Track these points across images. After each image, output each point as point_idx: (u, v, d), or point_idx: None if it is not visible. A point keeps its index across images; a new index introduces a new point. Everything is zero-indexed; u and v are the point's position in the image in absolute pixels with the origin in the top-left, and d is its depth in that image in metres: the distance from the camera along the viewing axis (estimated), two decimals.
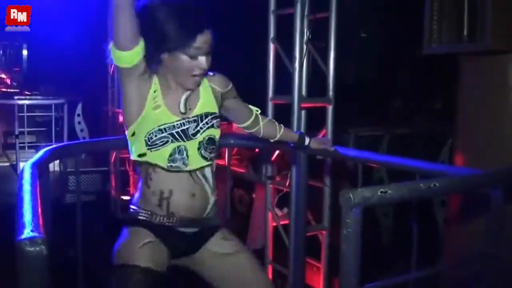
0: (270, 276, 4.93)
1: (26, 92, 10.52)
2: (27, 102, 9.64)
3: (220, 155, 4.59)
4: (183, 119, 2.51)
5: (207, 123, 2.57)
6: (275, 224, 4.94)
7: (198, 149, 2.54)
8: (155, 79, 2.48)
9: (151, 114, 2.44)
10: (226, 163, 4.50)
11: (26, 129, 9.41)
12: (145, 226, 2.52)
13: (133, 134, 2.48)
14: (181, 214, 2.52)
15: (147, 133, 2.44)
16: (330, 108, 4.75)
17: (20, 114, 9.38)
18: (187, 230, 2.58)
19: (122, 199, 8.26)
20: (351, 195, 1.71)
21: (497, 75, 3.81)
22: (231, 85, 2.75)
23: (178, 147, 2.48)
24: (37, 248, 1.40)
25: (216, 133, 2.62)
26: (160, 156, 2.47)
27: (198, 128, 2.54)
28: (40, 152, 2.66)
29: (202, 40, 2.40)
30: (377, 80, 9.87)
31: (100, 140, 3.69)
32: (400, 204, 2.16)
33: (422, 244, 3.00)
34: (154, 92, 2.46)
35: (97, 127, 9.61)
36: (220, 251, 2.68)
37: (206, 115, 2.58)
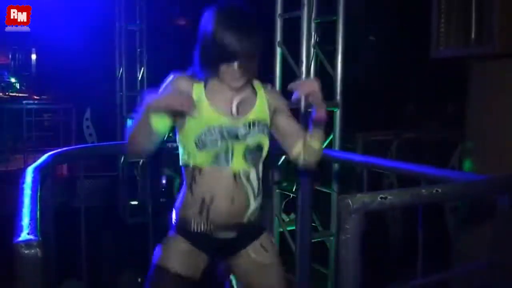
0: None
1: (35, 96, 10.58)
2: (35, 106, 9.69)
3: None
4: (233, 120, 2.50)
5: (258, 129, 2.55)
6: (281, 229, 4.91)
7: (244, 152, 2.52)
8: (196, 86, 2.48)
9: (198, 116, 2.44)
10: None
11: (34, 134, 9.46)
12: (183, 234, 2.55)
13: (182, 137, 2.50)
14: (219, 220, 2.51)
15: (197, 133, 2.44)
16: (338, 112, 4.73)
17: (28, 118, 9.42)
18: (225, 236, 2.58)
19: (130, 204, 8.27)
20: (350, 201, 1.68)
21: (506, 79, 3.78)
22: (285, 101, 2.73)
23: (226, 147, 2.47)
24: (33, 251, 1.41)
25: (264, 141, 2.58)
26: (207, 156, 2.46)
27: (248, 132, 2.52)
28: (44, 157, 2.65)
29: None
30: (385, 84, 9.84)
31: (105, 145, 3.67)
32: (410, 210, 2.13)
33: (433, 251, 2.96)
34: (197, 97, 2.46)
35: (106, 132, 9.62)
36: (257, 259, 2.68)
37: (259, 121, 2.57)
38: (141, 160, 8.38)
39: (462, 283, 3.63)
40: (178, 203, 2.58)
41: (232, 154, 2.48)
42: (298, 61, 4.55)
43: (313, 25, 4.59)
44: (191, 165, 2.49)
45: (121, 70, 8.68)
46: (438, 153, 6.85)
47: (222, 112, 2.49)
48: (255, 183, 2.58)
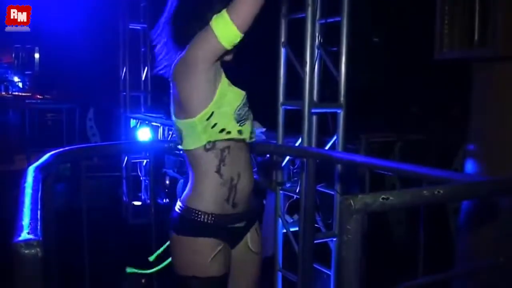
0: (280, 284, 4.90)
1: (38, 96, 10.59)
2: (38, 106, 9.71)
3: None
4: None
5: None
6: (285, 231, 4.90)
7: (251, 123, 2.57)
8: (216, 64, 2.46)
9: (229, 91, 2.44)
10: None
11: (37, 133, 9.47)
12: (211, 234, 2.48)
13: (211, 115, 2.41)
14: (240, 205, 2.53)
15: (237, 108, 2.43)
16: (341, 114, 4.71)
17: (31, 118, 9.44)
18: (241, 224, 2.59)
19: (133, 204, 8.27)
20: (351, 202, 1.67)
21: (509, 81, 3.76)
22: None
23: (251, 119, 2.53)
24: (33, 251, 1.39)
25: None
26: (248, 130, 2.49)
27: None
28: (46, 156, 2.64)
29: None
30: (390, 85, 9.82)
31: (108, 144, 3.66)
32: (414, 211, 2.12)
33: (435, 252, 2.96)
34: (220, 71, 2.46)
35: (109, 132, 9.64)
36: (250, 246, 2.68)
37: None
38: (145, 161, 8.39)
39: (465, 284, 3.63)
40: (197, 197, 2.50)
41: (248, 126, 2.52)
42: (302, 62, 4.54)
43: (317, 26, 4.58)
44: (222, 143, 2.45)
45: (124, 69, 8.67)
46: (442, 155, 6.83)
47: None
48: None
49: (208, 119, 2.40)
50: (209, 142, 2.44)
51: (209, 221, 2.46)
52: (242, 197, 2.51)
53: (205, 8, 2.39)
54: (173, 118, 2.54)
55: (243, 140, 2.48)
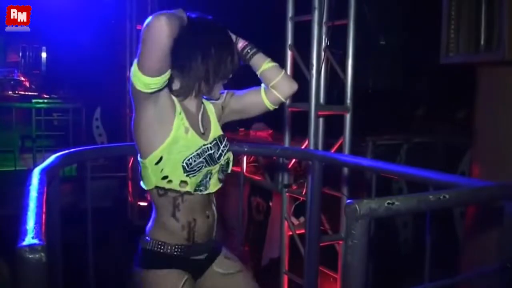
0: (286, 286, 4.90)
1: (45, 95, 10.58)
2: (45, 105, 9.69)
3: (238, 162, 4.54)
4: (208, 142, 2.47)
5: (225, 145, 2.55)
6: (291, 233, 4.90)
7: (218, 172, 2.52)
8: (176, 101, 2.44)
9: (182, 137, 2.38)
10: (240, 169, 4.46)
11: (43, 133, 9.46)
12: (177, 265, 2.47)
13: (160, 160, 2.37)
14: (201, 241, 2.51)
15: (186, 158, 2.36)
16: (348, 116, 4.71)
17: (37, 117, 9.43)
18: (201, 255, 2.58)
19: (139, 205, 8.26)
20: (357, 206, 1.66)
21: None
22: (225, 92, 2.69)
23: (208, 171, 2.45)
24: (37, 256, 1.38)
25: (231, 156, 2.59)
26: (193, 183, 2.41)
27: (220, 151, 2.50)
28: (51, 158, 2.63)
29: None
30: (396, 88, 9.80)
31: (114, 146, 3.65)
32: (420, 214, 2.11)
33: (441, 255, 2.94)
34: (180, 114, 2.40)
35: (115, 132, 9.63)
36: (223, 272, 2.67)
37: (223, 137, 2.57)
38: None
39: None
40: (156, 231, 2.50)
41: (210, 178, 2.47)
42: (308, 65, 4.53)
43: (324, 28, 4.57)
44: (173, 193, 2.41)
45: (129, 77, 8.65)
46: (448, 157, 6.81)
47: (197, 133, 2.46)
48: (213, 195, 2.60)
49: (157, 163, 2.38)
50: (156, 187, 2.42)
51: (174, 252, 2.46)
52: (202, 234, 2.51)
53: None
54: None
55: (200, 193, 2.47)
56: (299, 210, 5.11)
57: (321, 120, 4.65)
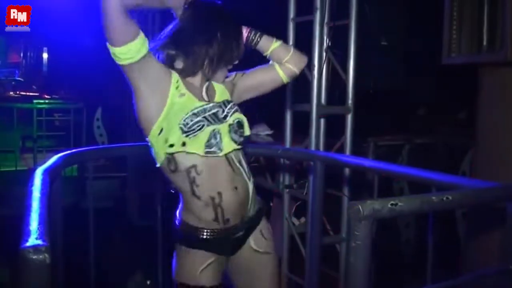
0: (287, 287, 4.89)
1: (46, 96, 10.58)
2: (46, 105, 9.69)
3: None
4: (211, 103, 2.48)
5: (231, 107, 2.54)
6: (292, 233, 4.89)
7: (229, 132, 2.46)
8: (174, 73, 2.46)
9: (177, 102, 2.39)
10: None
11: (44, 133, 9.46)
12: (204, 247, 2.48)
13: (161, 131, 2.39)
14: (233, 216, 2.48)
15: (182, 119, 2.35)
16: (349, 117, 4.70)
17: (38, 117, 9.43)
18: (239, 232, 2.55)
19: (139, 205, 8.25)
20: (360, 207, 1.65)
21: None
22: (234, 73, 2.73)
23: (213, 130, 2.40)
24: (41, 256, 1.37)
25: (242, 117, 2.55)
26: (198, 143, 2.36)
27: (225, 112, 2.50)
28: (53, 158, 2.63)
29: None
30: (398, 88, 9.81)
31: (115, 146, 3.65)
32: (422, 215, 2.10)
33: (443, 256, 2.94)
34: (177, 82, 2.43)
35: (116, 132, 9.62)
36: (255, 248, 2.64)
37: (228, 101, 2.57)
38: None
39: None
40: (185, 212, 2.50)
41: (221, 138, 2.42)
42: (310, 65, 4.52)
43: (325, 29, 4.57)
44: (182, 166, 2.40)
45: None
46: (449, 158, 6.81)
47: (197, 98, 2.47)
48: (245, 165, 2.55)
49: (159, 134, 2.40)
50: (166, 158, 2.42)
51: (201, 236, 2.46)
52: (232, 212, 2.47)
53: None
54: None
55: (216, 155, 2.42)
56: (300, 210, 5.10)
57: (322, 120, 4.65)
